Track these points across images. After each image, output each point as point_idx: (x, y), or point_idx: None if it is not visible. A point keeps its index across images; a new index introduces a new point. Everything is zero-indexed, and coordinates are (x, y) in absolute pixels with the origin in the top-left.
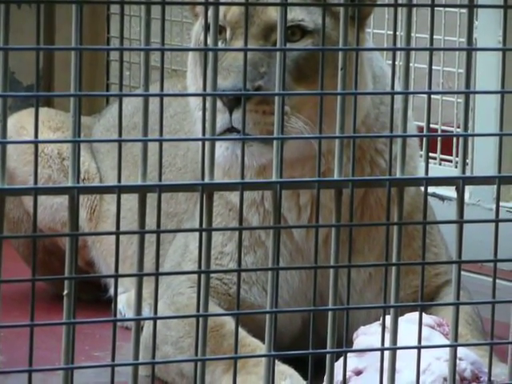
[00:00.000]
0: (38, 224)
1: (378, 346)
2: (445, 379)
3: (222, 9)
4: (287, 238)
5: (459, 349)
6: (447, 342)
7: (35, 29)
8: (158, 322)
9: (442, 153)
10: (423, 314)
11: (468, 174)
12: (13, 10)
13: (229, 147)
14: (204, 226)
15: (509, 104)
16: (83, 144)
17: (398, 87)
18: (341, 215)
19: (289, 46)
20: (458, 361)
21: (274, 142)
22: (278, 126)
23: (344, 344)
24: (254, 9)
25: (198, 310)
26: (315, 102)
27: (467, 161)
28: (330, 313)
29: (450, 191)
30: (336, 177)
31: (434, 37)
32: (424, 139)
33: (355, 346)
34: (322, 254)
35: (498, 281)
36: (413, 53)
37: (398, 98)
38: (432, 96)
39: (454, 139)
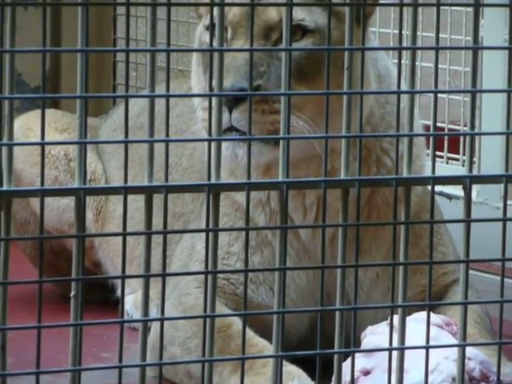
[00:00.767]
0: (45, 225)
1: (386, 345)
2: (453, 379)
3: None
4: (294, 238)
5: (468, 348)
6: (455, 342)
7: (41, 30)
8: (166, 322)
9: (448, 151)
10: (431, 313)
11: (475, 172)
12: (19, 12)
13: (229, 147)
14: (210, 226)
15: None
16: (89, 145)
17: (404, 86)
18: (347, 215)
19: None
20: (466, 360)
21: (280, 141)
22: (285, 125)
23: (352, 344)
24: (254, 9)
25: (205, 311)
26: (316, 102)
27: (474, 159)
28: (337, 313)
29: (457, 190)
30: (342, 176)
31: (440, 35)
32: (431, 138)
33: (363, 346)
34: (329, 253)
35: (506, 279)
36: (419, 52)
37: (404, 97)
38: (438, 95)
39: (461, 138)
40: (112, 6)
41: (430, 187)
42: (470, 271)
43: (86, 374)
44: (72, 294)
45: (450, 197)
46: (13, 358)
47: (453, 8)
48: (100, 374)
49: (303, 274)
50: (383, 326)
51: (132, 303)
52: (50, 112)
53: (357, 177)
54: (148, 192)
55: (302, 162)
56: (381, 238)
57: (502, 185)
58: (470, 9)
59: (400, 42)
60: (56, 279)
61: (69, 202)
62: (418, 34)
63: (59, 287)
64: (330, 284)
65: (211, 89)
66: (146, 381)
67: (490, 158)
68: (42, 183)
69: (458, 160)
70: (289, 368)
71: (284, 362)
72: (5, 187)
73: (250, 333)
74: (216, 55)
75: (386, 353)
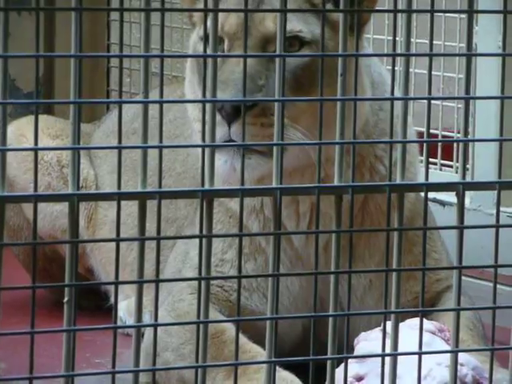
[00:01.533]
0: (38, 232)
1: (379, 351)
2: None
3: (219, 20)
4: (287, 245)
5: (460, 354)
6: (448, 348)
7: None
8: (159, 328)
9: (442, 158)
10: (424, 319)
11: (468, 179)
12: (12, 17)
13: (227, 160)
14: (204, 232)
15: (509, 109)
16: (82, 151)
17: (398, 93)
18: (341, 221)
19: None
20: (459, 366)
21: (274, 148)
22: (278, 132)
23: (345, 350)
24: (251, 20)
25: (198, 317)
26: (312, 113)
27: (467, 166)
28: (330, 319)
29: (450, 196)
30: (336, 182)
31: (434, 42)
32: (424, 144)
33: (356, 352)
34: (322, 260)
35: (498, 286)
36: (413, 58)
37: (398, 104)
38: (432, 101)
39: (455, 144)
40: (106, 11)
41: (423, 194)
42: (463, 278)
43: (80, 380)
44: (65, 299)
45: (443, 203)
46: (6, 363)
47: (447, 15)
48: (93, 379)
49: (296, 281)
50: (376, 332)
51: (125, 309)
52: (42, 118)
53: (350, 183)
54: (142, 198)
55: (297, 171)
56: (374, 244)
57: (495, 191)
58: (464, 15)
59: (394, 48)
60: (49, 285)
61: (62, 208)
62: (412, 40)
63: (52, 293)
64: (324, 291)
65: (204, 96)
66: None
67: (484, 165)
68: (36, 189)
69: (451, 167)
70: (282, 374)
71: (277, 367)
72: None
73: (243, 339)
74: (210, 62)
75: (379, 359)
